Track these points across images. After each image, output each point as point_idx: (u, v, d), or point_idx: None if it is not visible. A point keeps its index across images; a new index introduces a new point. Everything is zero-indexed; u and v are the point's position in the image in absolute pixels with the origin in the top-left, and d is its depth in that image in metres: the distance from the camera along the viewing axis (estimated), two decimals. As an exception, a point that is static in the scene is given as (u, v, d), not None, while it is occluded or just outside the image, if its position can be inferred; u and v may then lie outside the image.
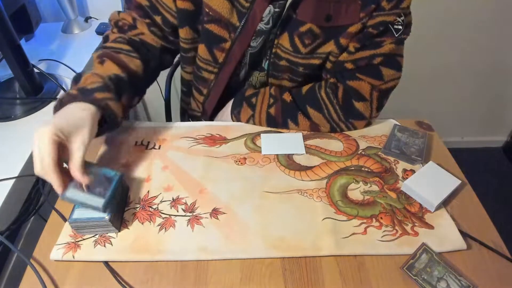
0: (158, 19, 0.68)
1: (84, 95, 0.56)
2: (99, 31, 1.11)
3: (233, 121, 0.74)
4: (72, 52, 1.03)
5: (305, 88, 0.71)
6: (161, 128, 0.74)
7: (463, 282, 0.49)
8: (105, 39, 0.71)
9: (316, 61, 0.69)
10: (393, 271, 0.51)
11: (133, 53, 0.67)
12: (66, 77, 0.91)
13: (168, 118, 1.11)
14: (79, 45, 1.07)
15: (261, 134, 0.70)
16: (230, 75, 0.71)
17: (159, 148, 0.69)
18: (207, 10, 0.63)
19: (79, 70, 0.94)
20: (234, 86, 0.76)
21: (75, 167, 0.50)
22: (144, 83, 0.72)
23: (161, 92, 1.36)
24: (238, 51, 0.68)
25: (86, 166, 0.55)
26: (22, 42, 0.96)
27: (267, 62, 0.71)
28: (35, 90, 0.82)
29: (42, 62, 0.95)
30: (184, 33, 0.68)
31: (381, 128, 0.73)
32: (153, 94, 1.45)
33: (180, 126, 0.74)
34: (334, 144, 0.70)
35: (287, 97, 0.70)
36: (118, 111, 0.60)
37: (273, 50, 0.68)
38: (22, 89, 0.81)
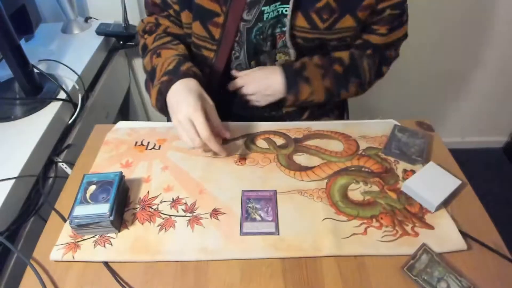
0: (171, 11, 0.73)
1: (175, 75, 0.62)
2: (99, 31, 1.11)
3: (288, 102, 0.73)
4: (72, 52, 1.03)
5: (346, 57, 0.74)
6: (161, 128, 0.74)
7: (464, 283, 0.49)
8: (144, 47, 0.75)
9: (333, 36, 0.69)
10: (394, 271, 0.51)
11: (174, 41, 0.73)
12: (66, 77, 0.91)
13: (168, 118, 1.11)
14: (79, 45, 1.07)
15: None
16: (229, 51, 0.71)
17: (159, 148, 0.69)
18: None
19: (79, 70, 0.94)
20: (238, 69, 0.76)
21: (217, 121, 0.62)
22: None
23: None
24: (232, 25, 0.67)
25: (87, 177, 0.56)
26: (22, 42, 0.96)
27: (270, 43, 0.71)
28: (35, 90, 0.82)
29: (42, 62, 0.95)
30: (184, 17, 0.70)
31: (381, 129, 0.73)
32: (153, 94, 1.45)
33: (180, 126, 0.74)
34: (334, 145, 0.70)
35: (338, 68, 0.73)
36: (200, 73, 0.66)
37: (290, 33, 0.67)
38: (22, 89, 0.81)
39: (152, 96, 0.65)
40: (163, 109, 0.64)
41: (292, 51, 0.71)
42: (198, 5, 0.66)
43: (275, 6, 0.66)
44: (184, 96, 0.59)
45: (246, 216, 0.57)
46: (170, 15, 0.74)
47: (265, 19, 0.67)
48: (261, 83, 0.72)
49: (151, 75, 0.69)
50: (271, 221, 0.56)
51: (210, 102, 0.61)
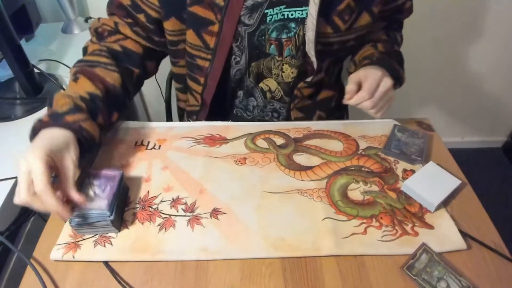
0: (141, 17, 0.66)
1: (54, 120, 0.53)
2: (99, 31, 1.11)
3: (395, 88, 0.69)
4: (72, 52, 1.03)
5: (385, 36, 0.78)
6: (161, 128, 0.74)
7: (463, 282, 0.49)
8: (84, 51, 0.69)
9: (352, 36, 0.68)
10: (393, 271, 0.51)
11: (111, 65, 0.65)
12: (66, 77, 0.91)
13: (168, 118, 1.11)
14: (79, 45, 1.04)
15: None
16: (225, 60, 0.68)
17: (159, 148, 0.69)
18: None
19: (79, 70, 0.94)
20: (238, 76, 0.74)
21: (69, 185, 0.49)
22: (124, 97, 0.67)
23: (161, 93, 1.37)
24: (227, 33, 0.64)
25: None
26: (22, 42, 0.96)
27: (272, 46, 0.68)
28: (35, 90, 0.82)
29: (42, 62, 0.95)
30: (170, 25, 0.66)
31: (381, 128, 0.73)
32: (153, 94, 1.45)
33: (180, 126, 0.74)
34: (334, 144, 0.70)
35: (396, 47, 0.77)
36: (95, 131, 0.57)
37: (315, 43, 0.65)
38: (22, 89, 0.81)
39: (32, 125, 0.55)
40: None
41: (315, 60, 0.67)
42: (192, 13, 0.63)
43: (280, 9, 0.64)
44: (40, 141, 0.50)
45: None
46: (136, 23, 0.68)
47: (268, 21, 0.65)
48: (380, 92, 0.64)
49: (55, 96, 0.58)
50: (105, 200, 0.52)
51: (73, 156, 0.51)
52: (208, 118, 0.80)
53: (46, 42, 1.07)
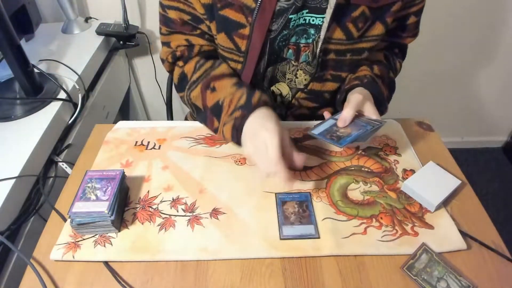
0: (203, 27, 0.68)
1: (247, 109, 0.59)
2: (99, 31, 1.11)
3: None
4: (72, 52, 1.03)
5: (383, 58, 0.75)
6: (161, 128, 0.74)
7: (463, 282, 0.49)
8: (183, 77, 0.71)
9: (364, 45, 0.67)
10: (393, 271, 0.51)
11: (216, 62, 0.70)
12: (66, 77, 0.91)
13: (169, 118, 1.11)
14: (79, 45, 1.07)
15: None
16: (256, 62, 0.67)
17: (159, 148, 0.69)
18: None
19: (79, 70, 0.94)
20: (254, 80, 0.72)
21: (292, 153, 0.56)
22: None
23: (161, 92, 1.37)
24: (257, 36, 0.64)
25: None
26: (22, 42, 0.96)
27: (290, 51, 0.68)
28: (35, 90, 0.82)
29: (42, 62, 0.95)
30: (213, 29, 0.66)
31: (381, 128, 0.73)
32: (153, 94, 1.46)
33: (180, 126, 0.74)
34: (334, 144, 0.70)
35: (392, 75, 0.75)
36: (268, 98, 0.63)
37: (322, 47, 0.64)
38: (22, 89, 0.81)
39: (226, 132, 0.61)
40: (239, 142, 0.60)
41: (316, 65, 0.67)
42: (223, 16, 0.63)
43: (302, 13, 0.63)
44: (262, 123, 0.56)
45: (81, 196, 0.54)
46: (204, 32, 0.69)
47: (291, 26, 0.65)
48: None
49: (213, 110, 0.65)
50: (105, 200, 0.53)
51: (283, 129, 0.57)
52: None
53: (46, 42, 1.07)
